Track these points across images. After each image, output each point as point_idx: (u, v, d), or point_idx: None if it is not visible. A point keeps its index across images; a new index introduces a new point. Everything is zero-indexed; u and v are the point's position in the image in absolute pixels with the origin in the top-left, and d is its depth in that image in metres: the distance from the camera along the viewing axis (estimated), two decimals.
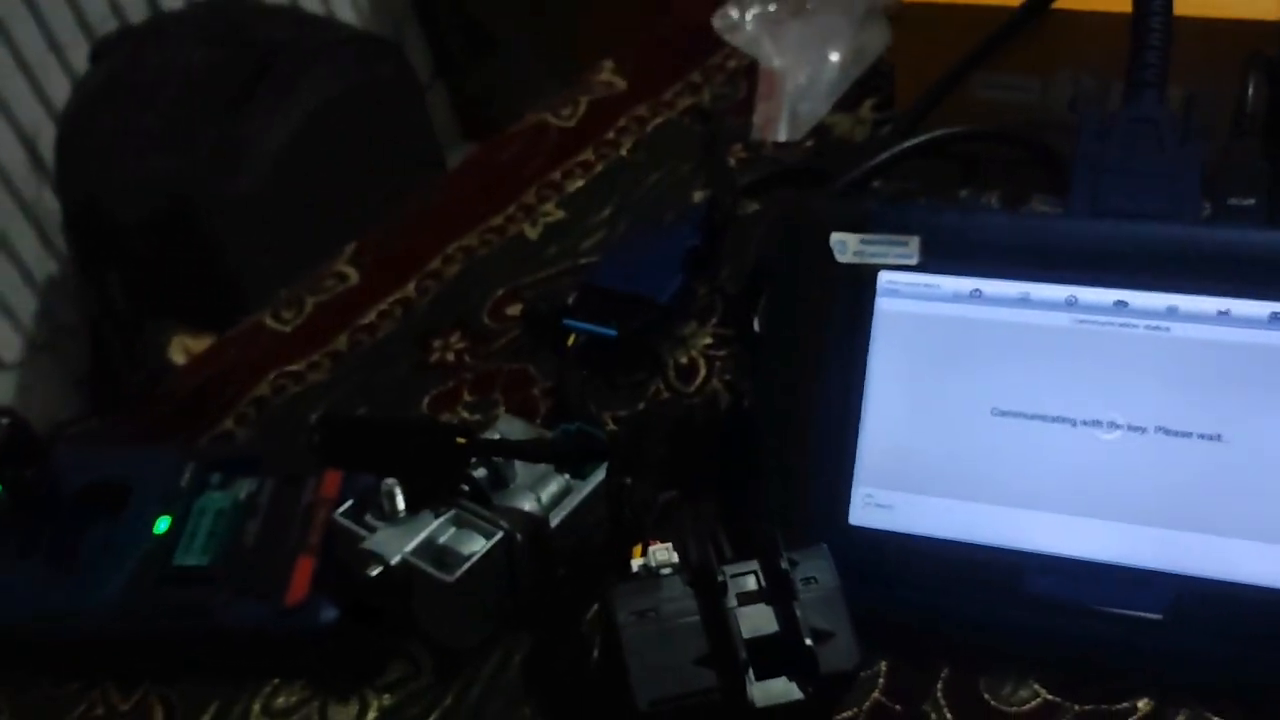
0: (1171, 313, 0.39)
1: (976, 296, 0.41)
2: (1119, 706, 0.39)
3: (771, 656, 0.34)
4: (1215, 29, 0.48)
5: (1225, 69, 0.46)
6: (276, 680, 0.45)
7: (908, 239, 0.41)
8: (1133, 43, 0.43)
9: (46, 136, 1.41)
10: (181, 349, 1.20)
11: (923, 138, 0.48)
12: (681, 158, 0.64)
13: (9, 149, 1.41)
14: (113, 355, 1.27)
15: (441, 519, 0.42)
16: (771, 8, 0.69)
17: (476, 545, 0.41)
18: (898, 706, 0.40)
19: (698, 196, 0.61)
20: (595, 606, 0.44)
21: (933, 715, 0.40)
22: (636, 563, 0.36)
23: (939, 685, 0.40)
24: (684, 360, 0.53)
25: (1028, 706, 0.40)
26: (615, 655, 0.34)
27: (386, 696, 0.44)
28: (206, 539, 0.46)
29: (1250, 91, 0.43)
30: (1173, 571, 0.38)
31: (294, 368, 0.57)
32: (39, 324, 1.51)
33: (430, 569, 0.41)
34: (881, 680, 0.41)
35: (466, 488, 0.43)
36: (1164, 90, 0.43)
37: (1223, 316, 0.38)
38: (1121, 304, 0.39)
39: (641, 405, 0.52)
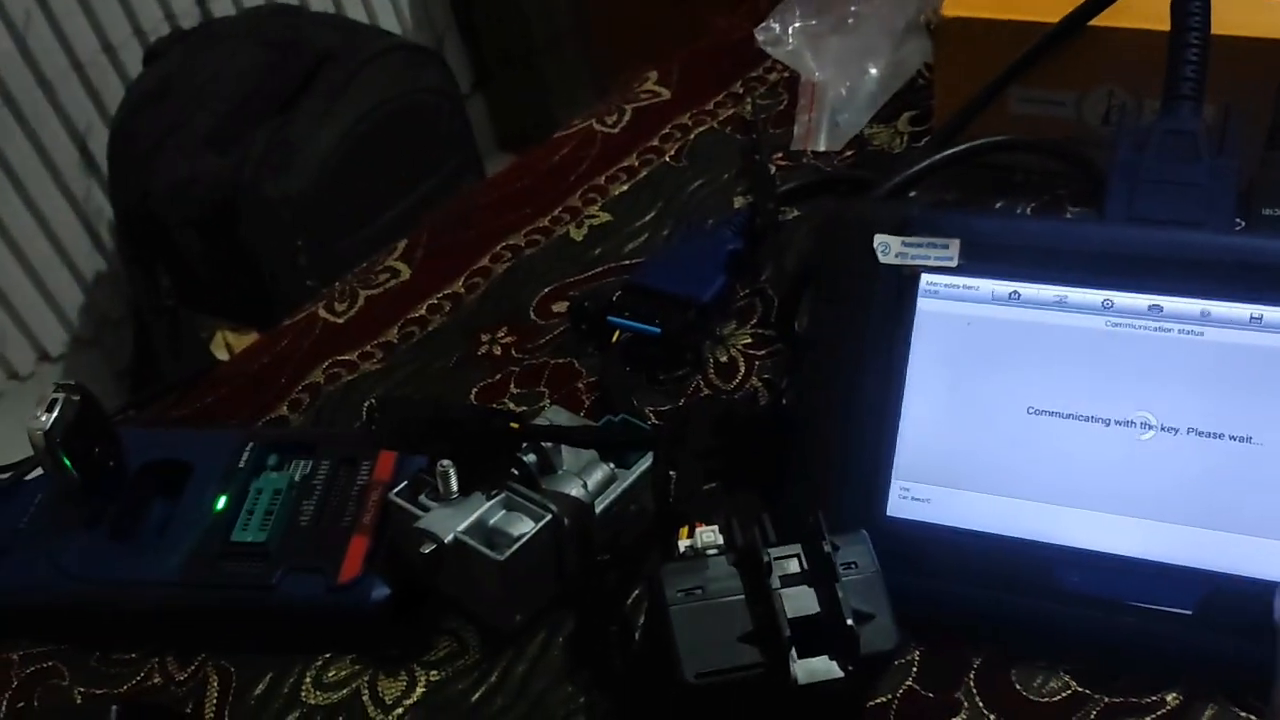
0: (1205, 317, 0.40)
1: (1014, 299, 0.42)
2: (1148, 700, 0.40)
3: (813, 636, 0.35)
4: (1251, 48, 0.50)
5: (1261, 87, 0.48)
6: (328, 654, 0.46)
7: (948, 242, 0.43)
8: (1170, 56, 0.45)
9: (97, 136, 1.45)
10: (223, 344, 1.23)
11: (964, 146, 0.50)
12: (723, 165, 0.66)
13: (61, 147, 1.45)
14: (156, 349, 1.30)
15: (492, 501, 0.44)
16: (813, 22, 0.71)
17: (525, 527, 0.43)
18: (930, 694, 0.42)
19: (739, 202, 0.63)
20: (636, 590, 0.46)
21: (965, 703, 0.41)
22: (684, 544, 0.38)
23: (971, 674, 0.42)
24: (724, 359, 0.55)
25: (1058, 698, 0.41)
26: (663, 631, 0.36)
27: (434, 673, 0.45)
28: (263, 517, 0.48)
29: None
30: (1203, 568, 0.39)
31: (347, 357, 0.59)
32: (84, 318, 1.55)
33: (481, 547, 0.42)
34: (915, 669, 0.42)
35: (516, 472, 0.45)
36: (1200, 104, 0.44)
37: (1255, 322, 0.39)
38: (1156, 308, 0.41)
39: (682, 401, 0.53)
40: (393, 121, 1.23)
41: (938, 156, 0.48)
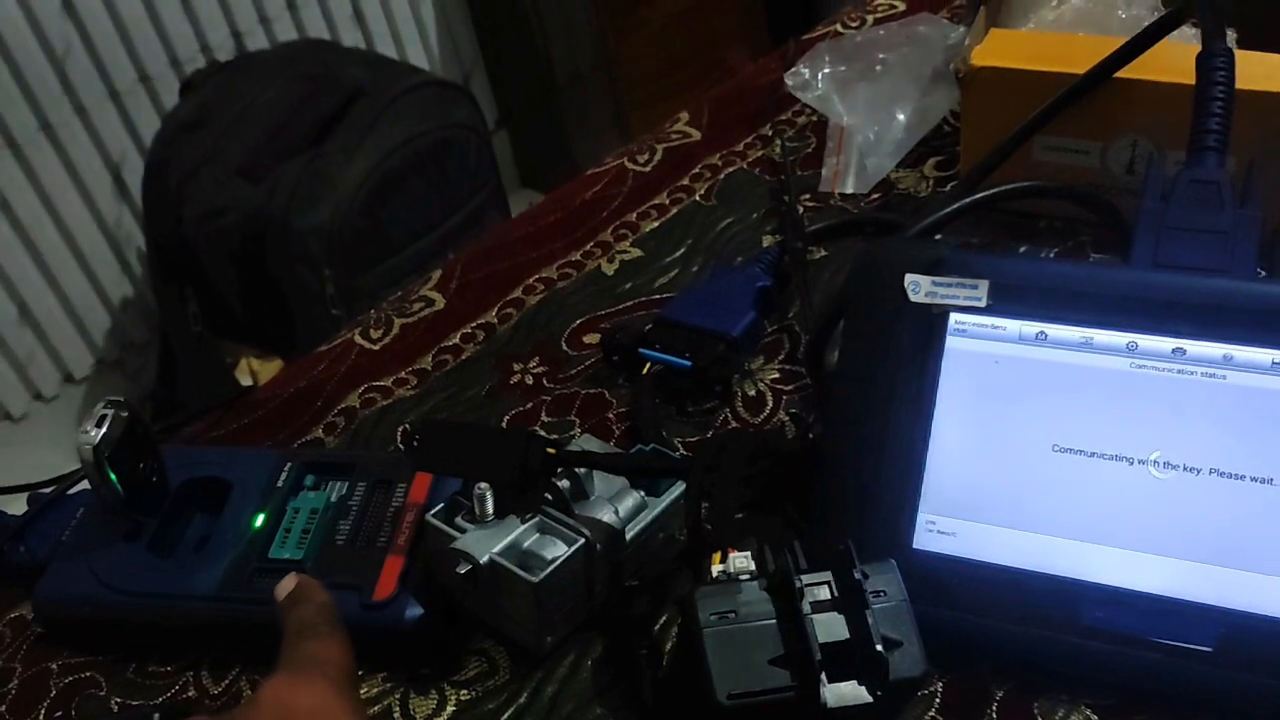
0: (1227, 361, 0.41)
1: (1041, 339, 0.43)
2: None
3: (843, 661, 0.36)
4: (1274, 103, 0.51)
5: None
6: (361, 671, 0.47)
7: (978, 283, 0.44)
8: (1196, 108, 0.46)
9: (131, 164, 1.48)
10: (248, 371, 1.24)
11: (992, 190, 0.51)
12: (752, 205, 0.67)
13: (96, 174, 1.48)
14: (180, 374, 1.32)
15: (526, 525, 0.45)
16: (842, 68, 0.72)
17: (559, 550, 0.44)
18: None
19: (767, 241, 0.64)
20: (664, 615, 0.47)
21: None
22: (716, 568, 0.39)
23: (994, 706, 0.42)
24: (752, 392, 0.56)
25: None
26: (695, 653, 0.37)
27: (464, 692, 0.46)
28: (300, 535, 0.49)
29: None
30: (1224, 607, 0.40)
31: (382, 383, 0.61)
32: (109, 342, 1.57)
33: (516, 569, 0.43)
34: (938, 699, 0.43)
35: (550, 496, 0.46)
36: (1224, 155, 0.45)
37: (1277, 367, 0.41)
38: (1180, 351, 0.42)
39: (710, 433, 0.54)
40: (421, 156, 1.25)
41: (966, 200, 0.50)
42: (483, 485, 0.45)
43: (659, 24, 1.71)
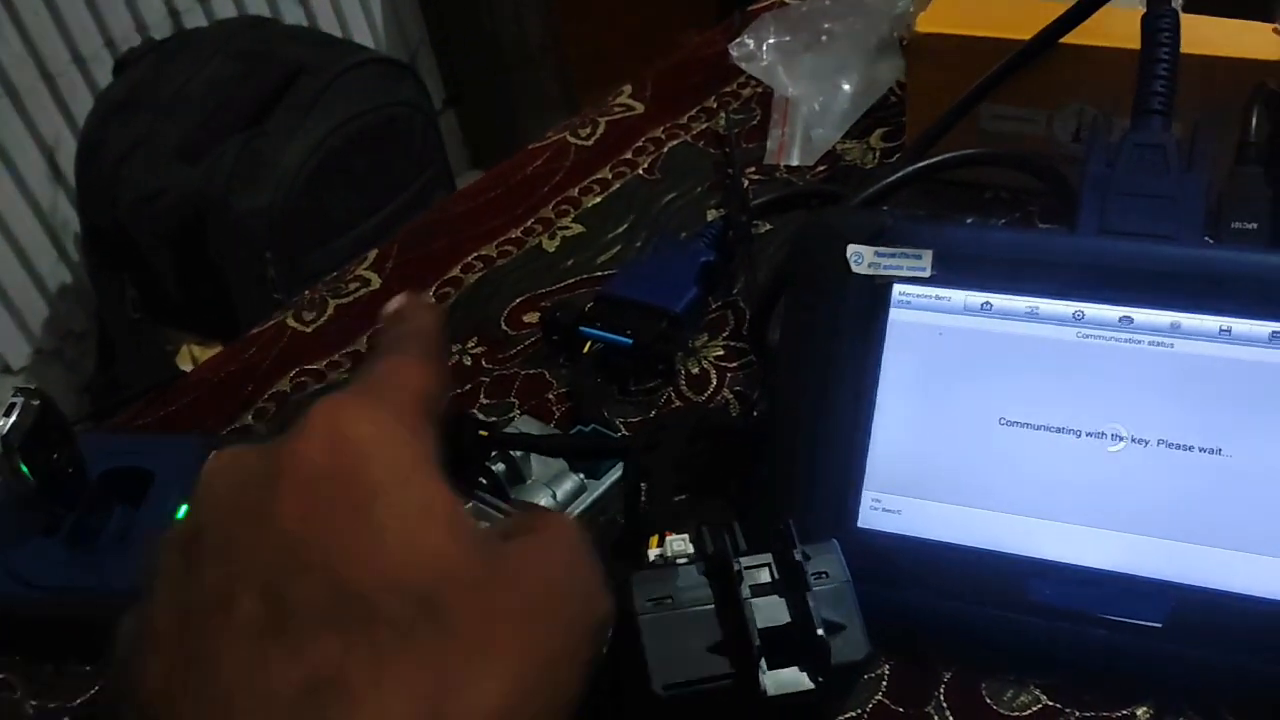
0: (1175, 329, 0.40)
1: (986, 310, 0.42)
2: (1118, 714, 0.40)
3: (784, 647, 0.35)
4: (1219, 66, 0.50)
5: (1229, 106, 0.48)
6: None
7: (921, 253, 0.43)
8: (1141, 71, 0.45)
9: (66, 148, 1.44)
10: (189, 358, 1.21)
11: (934, 159, 0.50)
12: (696, 178, 0.66)
13: (29, 158, 1.44)
14: (120, 363, 1.29)
15: None
16: (787, 39, 0.71)
17: None
18: (900, 709, 0.41)
19: (712, 215, 0.63)
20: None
21: (935, 718, 0.41)
22: (653, 552, 0.37)
23: (941, 688, 0.41)
24: (695, 370, 0.54)
25: (1028, 712, 0.40)
26: (632, 641, 0.35)
27: None
28: None
29: (1254, 121, 0.45)
30: (1173, 581, 0.39)
31: (314, 366, 0.58)
32: (47, 331, 1.53)
33: None
34: (885, 683, 0.42)
35: (484, 481, 0.44)
36: (1170, 119, 0.44)
37: (1224, 334, 0.40)
38: (1127, 320, 0.41)
39: (653, 413, 0.53)
40: (364, 135, 1.22)
41: (908, 169, 0.48)
42: None
43: (609, 2, 1.69)
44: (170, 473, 0.49)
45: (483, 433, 0.43)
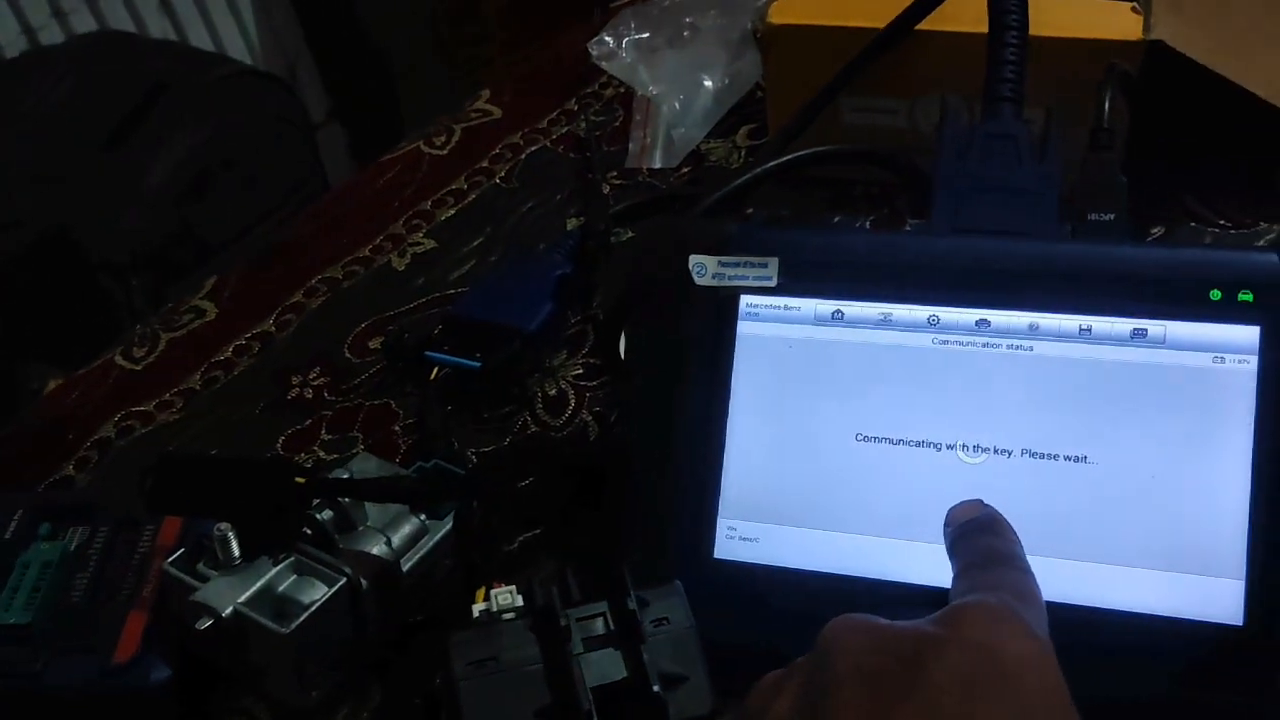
0: (1033, 331, 0.38)
1: (838, 318, 0.39)
2: None
3: (620, 704, 0.32)
4: (1074, 49, 0.48)
5: (1085, 88, 0.46)
6: None
7: (767, 260, 0.40)
8: (989, 57, 0.43)
9: None
10: None
11: (784, 159, 0.47)
12: (556, 185, 0.62)
13: None
14: None
15: (280, 566, 0.40)
16: (647, 35, 0.68)
17: (316, 593, 0.39)
18: None
19: (571, 224, 0.59)
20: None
21: None
22: (478, 607, 0.34)
23: None
24: (553, 392, 0.51)
25: None
26: (453, 709, 0.32)
27: None
28: (30, 594, 0.43)
29: (1107, 105, 0.43)
30: (1046, 600, 0.37)
31: (143, 407, 0.54)
32: None
33: (265, 620, 0.38)
34: None
35: (309, 531, 0.40)
36: (1021, 105, 0.42)
37: (1084, 333, 0.37)
38: (983, 323, 0.38)
39: (508, 440, 0.49)
40: (233, 152, 1.17)
41: (757, 170, 0.46)
42: (222, 525, 0.39)
43: (494, 7, 1.65)
44: None
45: (299, 479, 0.39)
